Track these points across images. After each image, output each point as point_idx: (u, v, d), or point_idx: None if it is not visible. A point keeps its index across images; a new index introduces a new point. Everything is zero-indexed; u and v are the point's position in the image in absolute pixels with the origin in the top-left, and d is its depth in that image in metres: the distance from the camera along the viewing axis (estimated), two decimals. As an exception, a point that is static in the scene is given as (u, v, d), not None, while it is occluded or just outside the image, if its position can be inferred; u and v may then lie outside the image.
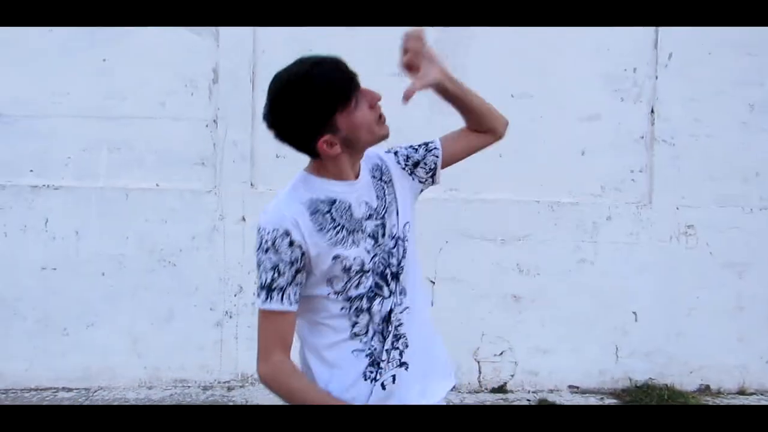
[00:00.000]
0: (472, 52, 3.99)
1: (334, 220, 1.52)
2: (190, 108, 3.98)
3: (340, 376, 1.54)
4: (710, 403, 3.72)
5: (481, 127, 1.68)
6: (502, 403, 3.75)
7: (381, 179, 1.63)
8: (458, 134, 1.72)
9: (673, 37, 3.95)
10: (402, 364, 1.57)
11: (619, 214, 3.94)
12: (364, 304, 1.53)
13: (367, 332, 1.54)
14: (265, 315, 1.49)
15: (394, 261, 1.57)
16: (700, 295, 3.90)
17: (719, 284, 3.90)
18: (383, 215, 1.58)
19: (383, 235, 1.56)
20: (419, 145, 1.70)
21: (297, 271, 1.48)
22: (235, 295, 4.04)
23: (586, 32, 3.91)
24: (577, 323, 3.88)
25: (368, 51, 3.86)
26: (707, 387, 3.91)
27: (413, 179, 1.69)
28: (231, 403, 3.85)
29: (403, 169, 1.68)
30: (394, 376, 1.55)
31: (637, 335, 3.92)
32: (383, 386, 1.54)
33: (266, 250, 1.47)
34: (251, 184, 3.96)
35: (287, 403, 1.48)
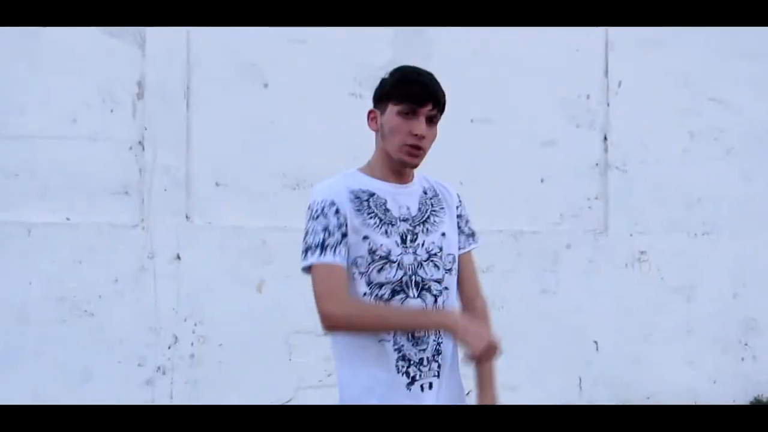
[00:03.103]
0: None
1: (369, 207, 1.72)
2: (110, 126, 3.46)
3: (370, 361, 1.68)
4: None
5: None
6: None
7: (431, 199, 1.81)
8: (466, 280, 1.86)
9: (622, 65, 4.02)
10: (438, 375, 1.73)
11: (578, 242, 3.92)
12: (386, 294, 1.69)
13: None
14: (319, 269, 1.65)
15: (423, 273, 1.73)
16: (654, 321, 3.97)
17: (670, 309, 3.99)
18: (416, 225, 1.75)
19: (413, 241, 1.73)
20: (468, 224, 1.88)
21: (343, 235, 1.67)
22: (168, 348, 3.51)
23: (541, 56, 3.89)
24: (542, 356, 3.80)
25: (326, 68, 3.65)
26: (661, 411, 3.97)
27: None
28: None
29: (458, 216, 1.86)
30: (431, 383, 1.72)
31: (598, 365, 3.92)
32: (422, 388, 1.71)
33: (316, 218, 1.68)
34: (186, 217, 3.51)
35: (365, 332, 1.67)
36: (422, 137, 1.71)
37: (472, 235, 1.88)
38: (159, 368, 3.49)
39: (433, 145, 1.76)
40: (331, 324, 1.63)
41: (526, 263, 3.83)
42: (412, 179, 1.80)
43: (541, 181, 3.89)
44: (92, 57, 3.41)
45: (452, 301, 1.78)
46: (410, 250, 1.72)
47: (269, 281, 3.56)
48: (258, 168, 3.51)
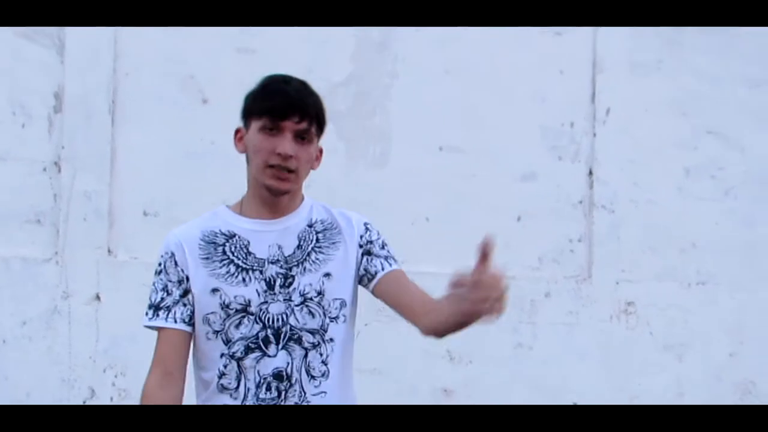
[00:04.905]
0: (393, 95, 3.45)
1: (224, 253, 1.58)
2: (20, 144, 3.15)
3: None
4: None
5: (431, 323, 1.60)
6: None
7: (320, 233, 1.64)
8: (410, 293, 1.63)
9: (611, 90, 3.68)
10: None
11: (558, 290, 3.57)
12: (239, 352, 1.55)
13: (237, 388, 1.56)
14: (159, 334, 1.59)
15: (293, 322, 1.57)
16: (641, 382, 3.60)
17: (659, 368, 3.62)
18: (292, 265, 1.59)
19: (287, 286, 1.58)
20: (385, 248, 1.68)
21: (185, 292, 1.57)
22: (84, 402, 3.13)
23: (520, 78, 3.57)
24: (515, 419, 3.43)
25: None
26: (647, 483, 3.64)
27: (358, 266, 1.66)
28: None
29: (360, 246, 1.66)
30: None
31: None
32: None
33: (159, 273, 1.60)
34: (108, 251, 3.18)
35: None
36: (288, 157, 1.54)
37: (390, 257, 1.66)
38: (68, 426, 3.10)
39: (314, 167, 1.63)
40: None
41: (499, 313, 3.50)
42: (292, 211, 1.63)
43: (518, 219, 3.56)
44: (0, 62, 3.10)
45: (337, 357, 1.60)
46: (280, 297, 1.57)
47: (202, 327, 3.21)
48: (194, 196, 3.16)
